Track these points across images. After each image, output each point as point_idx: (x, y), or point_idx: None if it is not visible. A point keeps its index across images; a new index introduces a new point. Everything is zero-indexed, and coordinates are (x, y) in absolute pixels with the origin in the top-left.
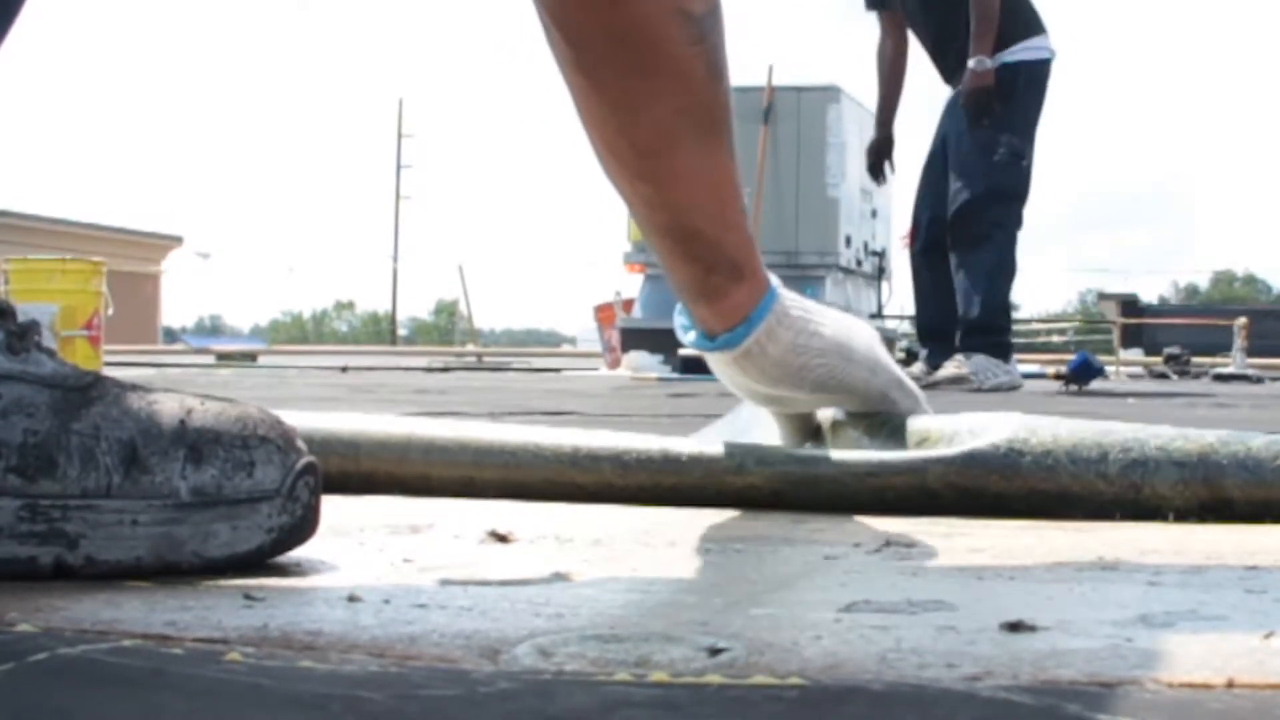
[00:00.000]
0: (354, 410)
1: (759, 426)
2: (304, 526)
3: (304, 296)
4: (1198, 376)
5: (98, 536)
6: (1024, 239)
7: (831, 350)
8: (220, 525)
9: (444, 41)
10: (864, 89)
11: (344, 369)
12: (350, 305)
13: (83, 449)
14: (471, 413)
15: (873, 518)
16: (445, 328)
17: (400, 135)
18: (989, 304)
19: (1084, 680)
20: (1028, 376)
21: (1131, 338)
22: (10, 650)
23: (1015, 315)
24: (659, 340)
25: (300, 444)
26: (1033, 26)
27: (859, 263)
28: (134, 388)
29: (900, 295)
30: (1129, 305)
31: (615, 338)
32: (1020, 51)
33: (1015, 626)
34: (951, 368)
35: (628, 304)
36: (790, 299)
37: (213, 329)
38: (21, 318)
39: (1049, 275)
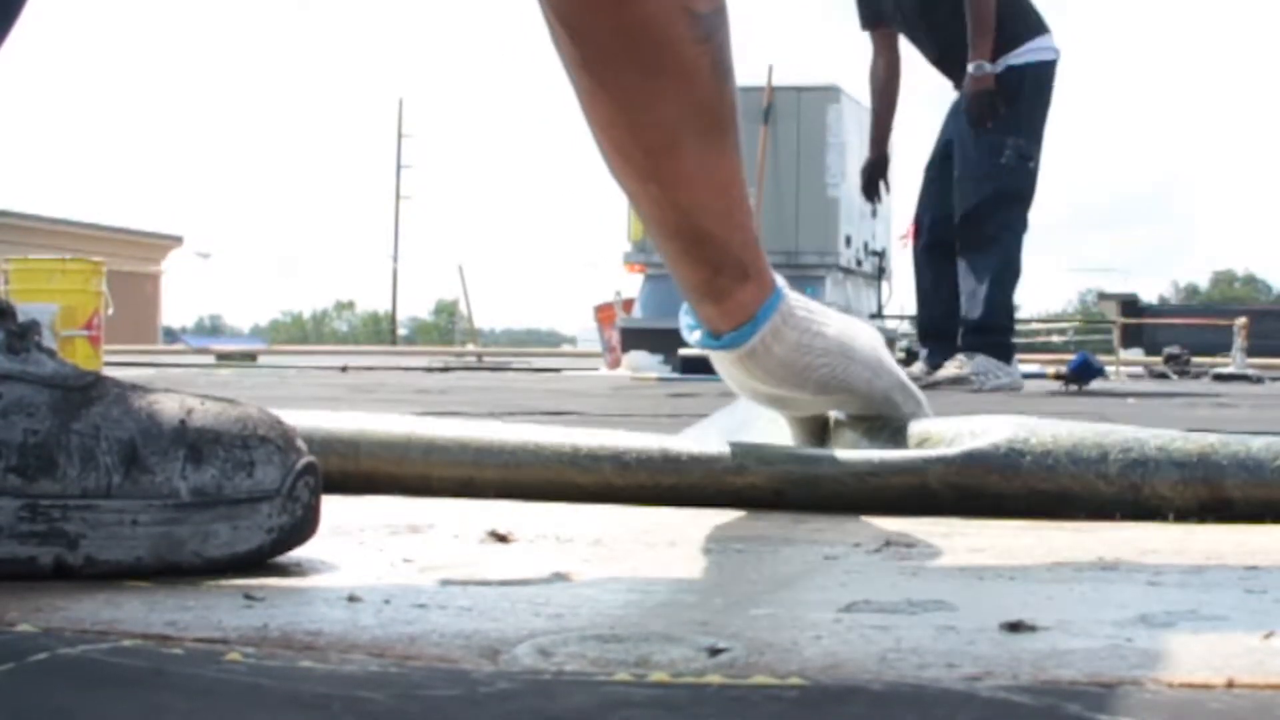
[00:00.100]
0: (354, 410)
1: (755, 423)
2: (304, 526)
3: (304, 296)
4: (1198, 376)
5: (98, 536)
6: (1025, 239)
7: (835, 351)
8: (220, 525)
9: (444, 41)
10: (864, 89)
11: (344, 369)
12: (350, 305)
13: (83, 449)
14: (471, 413)
15: (873, 518)
16: (445, 328)
17: (400, 135)
18: (993, 304)
19: (1084, 680)
20: (1028, 376)
21: (1131, 338)
22: (10, 650)
23: (1016, 316)
24: (659, 340)
25: (300, 444)
26: (1036, 27)
27: (859, 263)
28: (134, 388)
29: (900, 295)
30: (1129, 305)
31: (615, 338)
32: (1025, 53)
33: (1015, 626)
34: (953, 368)
35: (628, 304)
36: (796, 299)
37: (213, 329)
38: (21, 318)
39: (1049, 275)
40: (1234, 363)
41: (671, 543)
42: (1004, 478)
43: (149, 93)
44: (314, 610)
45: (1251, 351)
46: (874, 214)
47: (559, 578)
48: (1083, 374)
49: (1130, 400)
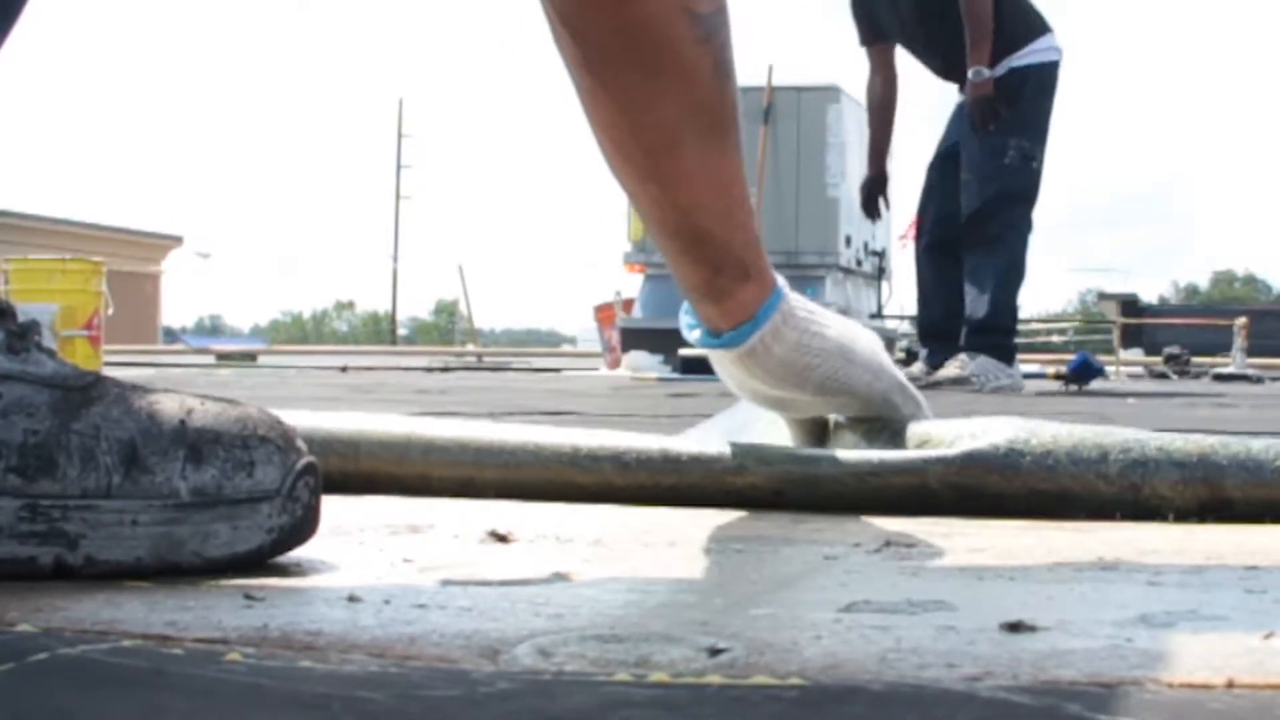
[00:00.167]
0: (354, 410)
1: (756, 424)
2: (304, 526)
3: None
4: (1198, 376)
5: (98, 536)
6: (1030, 240)
7: (835, 352)
8: (220, 525)
9: (444, 41)
10: (864, 90)
11: (344, 369)
12: (350, 305)
13: (83, 449)
14: (471, 413)
15: (873, 518)
16: (445, 328)
17: (400, 135)
18: (997, 305)
19: (1084, 680)
20: (1028, 376)
21: (1131, 338)
22: (10, 650)
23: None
24: (659, 340)
25: (300, 444)
26: (1038, 28)
27: (859, 263)
28: (134, 388)
29: (900, 295)
30: (1129, 305)
31: (615, 338)
32: (1028, 55)
33: (1015, 627)
34: (954, 368)
35: (628, 304)
36: (796, 300)
37: (213, 329)
38: (21, 318)
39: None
40: (1234, 363)
41: (671, 543)
42: (1004, 478)
43: (149, 93)
44: (314, 610)
45: (1251, 351)
46: None
47: (559, 578)
48: (1083, 374)
49: (1130, 400)
